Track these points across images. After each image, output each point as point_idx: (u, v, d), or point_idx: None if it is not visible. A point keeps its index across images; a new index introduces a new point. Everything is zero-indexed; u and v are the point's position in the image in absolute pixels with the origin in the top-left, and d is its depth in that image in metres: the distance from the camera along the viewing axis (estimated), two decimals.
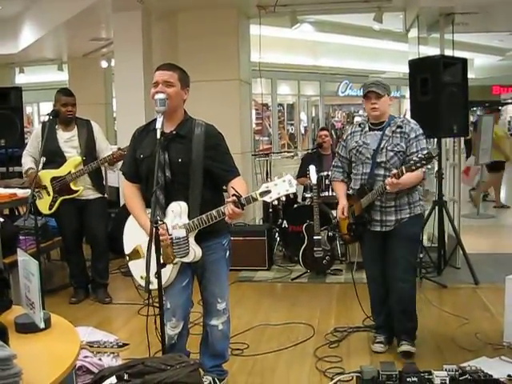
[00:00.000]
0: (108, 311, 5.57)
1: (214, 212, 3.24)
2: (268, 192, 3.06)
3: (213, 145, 3.41)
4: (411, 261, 4.28)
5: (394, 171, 3.89)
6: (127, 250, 3.60)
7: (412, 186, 4.11)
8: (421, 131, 4.14)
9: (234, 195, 3.09)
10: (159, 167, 3.33)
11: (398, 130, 4.14)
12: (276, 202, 3.17)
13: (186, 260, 3.37)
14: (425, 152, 3.78)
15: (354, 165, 4.34)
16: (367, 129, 4.30)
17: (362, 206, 4.21)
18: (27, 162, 5.53)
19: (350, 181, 4.44)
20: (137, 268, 3.47)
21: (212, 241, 3.48)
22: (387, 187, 3.92)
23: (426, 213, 6.40)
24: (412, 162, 3.76)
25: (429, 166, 4.05)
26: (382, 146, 4.15)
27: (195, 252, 3.35)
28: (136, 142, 3.55)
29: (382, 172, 4.14)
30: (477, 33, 11.34)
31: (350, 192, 4.40)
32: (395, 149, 4.11)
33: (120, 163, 5.53)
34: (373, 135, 4.23)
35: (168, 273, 3.40)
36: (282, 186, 3.04)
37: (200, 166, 3.35)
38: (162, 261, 3.30)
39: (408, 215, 4.15)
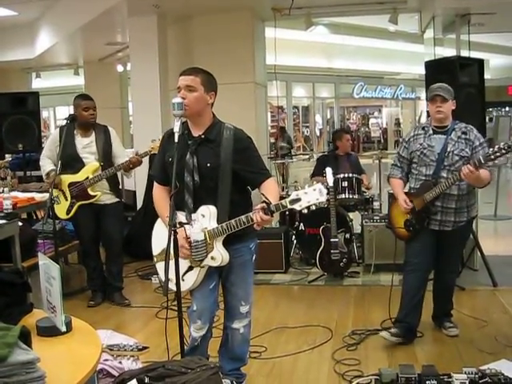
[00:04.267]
0: (125, 314, 5.59)
1: (243, 217, 3.23)
2: (298, 200, 3.05)
3: (242, 148, 3.39)
4: (459, 259, 4.79)
5: (471, 163, 4.01)
6: (155, 251, 3.61)
7: (471, 189, 4.37)
8: (483, 139, 4.34)
9: (263, 202, 3.10)
10: (187, 171, 3.36)
11: (463, 136, 4.32)
12: (305, 210, 3.14)
13: (213, 264, 3.38)
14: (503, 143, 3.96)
15: (415, 165, 4.48)
16: (431, 132, 4.43)
17: (424, 200, 4.34)
18: (47, 164, 5.56)
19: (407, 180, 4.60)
20: None
21: (240, 244, 3.47)
22: (462, 175, 4.02)
23: None
24: (491, 151, 3.93)
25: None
26: (448, 149, 4.30)
27: (222, 256, 3.35)
28: (165, 146, 3.54)
29: (445, 174, 4.28)
30: (493, 33, 11.27)
31: (407, 190, 4.56)
32: (461, 153, 4.27)
33: (135, 169, 5.62)
34: (437, 139, 4.38)
35: (195, 276, 3.42)
36: (313, 194, 3.02)
37: (229, 169, 3.34)
38: (189, 264, 3.33)
39: (466, 218, 4.39)
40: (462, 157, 4.27)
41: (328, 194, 6.08)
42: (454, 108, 4.39)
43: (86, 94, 5.68)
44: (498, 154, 3.86)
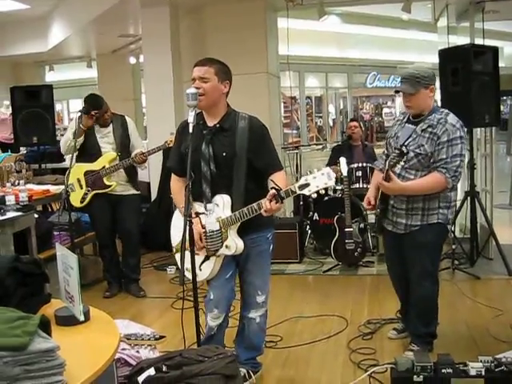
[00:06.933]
0: (141, 305, 5.63)
1: (254, 205, 3.25)
2: (307, 185, 3.06)
3: (256, 138, 3.41)
4: (426, 268, 3.95)
5: (388, 174, 3.68)
6: (174, 242, 3.64)
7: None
8: (457, 134, 3.67)
9: (272, 188, 3.11)
10: (204, 161, 3.38)
11: (429, 129, 3.74)
12: (315, 195, 3.13)
13: (227, 253, 3.41)
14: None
15: None
16: (405, 120, 3.98)
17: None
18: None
19: None
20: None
21: (257, 234, 3.50)
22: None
23: (458, 204, 6.34)
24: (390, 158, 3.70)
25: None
26: (406, 143, 3.79)
27: (237, 245, 3.37)
28: (181, 137, 3.56)
29: (398, 171, 3.81)
30: (507, 20, 11.16)
31: None
32: (417, 150, 3.75)
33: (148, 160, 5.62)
34: (407, 128, 3.90)
35: (211, 265, 3.44)
36: (321, 179, 3.04)
37: (244, 158, 3.37)
38: (206, 253, 3.34)
39: (419, 222, 3.86)
40: (417, 154, 3.74)
41: (342, 183, 6.15)
42: (431, 95, 3.81)
43: (96, 99, 5.47)
44: (394, 160, 3.57)
